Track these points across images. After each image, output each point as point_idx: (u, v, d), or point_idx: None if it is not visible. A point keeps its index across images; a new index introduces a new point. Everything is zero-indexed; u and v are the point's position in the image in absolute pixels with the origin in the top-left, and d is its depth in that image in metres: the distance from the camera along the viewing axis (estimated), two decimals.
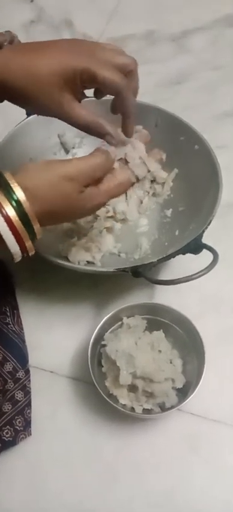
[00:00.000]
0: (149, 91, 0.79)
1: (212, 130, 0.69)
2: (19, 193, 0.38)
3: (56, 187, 0.41)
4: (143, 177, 0.51)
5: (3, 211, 0.37)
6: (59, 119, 0.46)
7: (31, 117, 0.61)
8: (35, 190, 0.39)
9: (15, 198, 0.38)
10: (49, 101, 0.44)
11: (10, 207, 0.37)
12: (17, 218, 0.38)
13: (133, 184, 0.49)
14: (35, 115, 0.61)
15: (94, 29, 0.92)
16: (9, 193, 0.38)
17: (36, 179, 0.40)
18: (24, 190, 0.38)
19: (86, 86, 0.46)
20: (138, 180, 0.50)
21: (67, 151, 0.66)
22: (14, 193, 0.38)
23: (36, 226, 0.39)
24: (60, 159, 0.46)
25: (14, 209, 0.38)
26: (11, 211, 0.37)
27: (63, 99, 0.44)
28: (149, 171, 0.57)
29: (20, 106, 0.47)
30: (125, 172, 0.48)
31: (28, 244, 0.39)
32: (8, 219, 0.37)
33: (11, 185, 0.38)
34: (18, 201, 0.38)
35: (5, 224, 0.37)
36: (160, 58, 0.87)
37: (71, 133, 0.65)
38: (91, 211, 0.46)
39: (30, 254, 0.40)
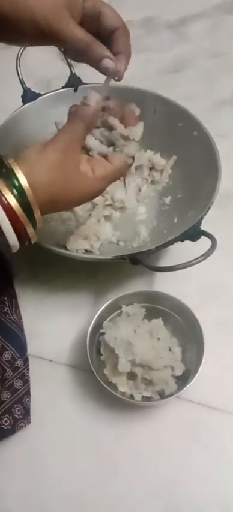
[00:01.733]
0: (147, 79, 0.78)
1: (211, 118, 0.69)
2: (22, 180, 0.37)
3: (54, 165, 0.40)
4: (133, 154, 0.50)
5: (3, 199, 0.36)
6: (54, 38, 0.42)
7: (27, 105, 0.61)
8: (42, 182, 0.39)
9: (17, 185, 0.37)
10: (49, 12, 0.41)
11: (10, 195, 0.37)
12: (18, 205, 0.37)
13: (131, 164, 0.49)
14: (31, 102, 0.61)
15: None
16: (10, 179, 0.37)
17: (42, 165, 0.39)
18: (31, 183, 0.38)
19: (84, 19, 0.43)
20: (133, 159, 0.49)
21: None
22: (17, 179, 0.37)
23: (37, 214, 0.39)
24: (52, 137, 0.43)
25: (15, 197, 0.37)
26: (11, 200, 0.37)
27: (64, 14, 0.41)
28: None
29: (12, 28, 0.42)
30: (119, 156, 0.47)
31: (30, 231, 0.39)
32: (8, 207, 0.37)
33: (15, 171, 0.37)
34: (20, 188, 0.37)
35: (3, 213, 0.36)
36: (158, 46, 0.86)
37: None
38: (89, 198, 0.46)
39: (32, 242, 0.40)
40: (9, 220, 0.37)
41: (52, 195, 0.40)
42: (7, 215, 0.37)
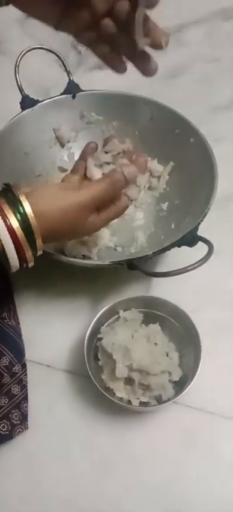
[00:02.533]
0: (144, 85, 0.78)
1: (208, 123, 0.69)
2: (27, 208, 0.40)
3: (68, 215, 0.44)
4: (136, 198, 0.53)
5: (8, 222, 0.39)
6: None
7: (26, 111, 0.61)
8: (46, 213, 0.42)
9: (22, 211, 0.40)
10: None
11: (14, 218, 0.40)
12: (19, 228, 0.40)
13: (127, 207, 0.51)
14: (30, 109, 0.61)
15: None
16: (16, 206, 0.40)
17: (51, 205, 0.43)
18: (36, 212, 0.40)
19: None
20: (132, 201, 0.51)
21: (63, 145, 0.65)
22: (22, 206, 0.40)
23: (38, 241, 0.42)
24: (73, 186, 0.48)
25: (19, 221, 0.40)
26: (14, 223, 0.40)
27: None
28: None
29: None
30: (122, 199, 0.49)
31: (28, 254, 0.41)
32: (11, 229, 0.39)
33: (21, 198, 0.40)
34: (24, 215, 0.40)
35: (8, 234, 0.39)
36: (155, 51, 0.86)
37: (66, 127, 0.65)
38: (90, 234, 0.52)
39: (29, 265, 0.42)
40: (13, 242, 0.40)
41: (59, 229, 0.44)
42: (10, 237, 0.39)
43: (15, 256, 0.40)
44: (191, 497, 0.44)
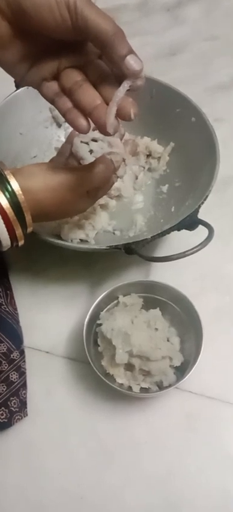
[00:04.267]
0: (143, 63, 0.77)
1: (208, 103, 0.67)
2: (14, 185, 0.39)
3: (57, 194, 0.42)
4: (121, 175, 0.52)
5: None
6: (81, 27, 0.36)
7: (20, 90, 0.59)
8: (34, 190, 0.41)
9: (9, 189, 0.39)
10: None
11: (2, 195, 0.39)
12: (9, 206, 0.39)
13: (113, 184, 0.51)
14: (25, 87, 0.59)
15: None
16: (4, 184, 0.39)
17: (39, 182, 0.42)
18: (24, 189, 0.40)
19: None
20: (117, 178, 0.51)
21: (59, 125, 0.64)
22: (10, 184, 0.39)
23: (28, 218, 0.41)
24: (63, 167, 0.46)
25: (7, 199, 0.39)
26: (3, 200, 0.39)
27: None
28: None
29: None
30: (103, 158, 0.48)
31: (18, 232, 0.40)
32: (0, 208, 0.39)
33: (8, 177, 0.39)
34: (12, 192, 0.39)
35: None
36: (154, 29, 0.85)
37: None
38: (78, 214, 0.52)
39: (19, 244, 0.42)
40: (3, 221, 0.39)
41: (49, 209, 0.43)
42: (0, 216, 0.39)
43: (7, 234, 0.40)
44: (192, 484, 0.44)
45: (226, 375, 0.49)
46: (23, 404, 0.46)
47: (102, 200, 0.58)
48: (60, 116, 0.62)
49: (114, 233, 0.57)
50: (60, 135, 0.64)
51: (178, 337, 0.49)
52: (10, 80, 0.59)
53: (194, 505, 0.43)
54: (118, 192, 0.59)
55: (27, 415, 0.46)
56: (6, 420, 0.45)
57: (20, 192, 0.39)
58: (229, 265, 0.57)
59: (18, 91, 0.59)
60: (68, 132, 0.64)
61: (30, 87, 0.59)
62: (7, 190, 0.39)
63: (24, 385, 0.47)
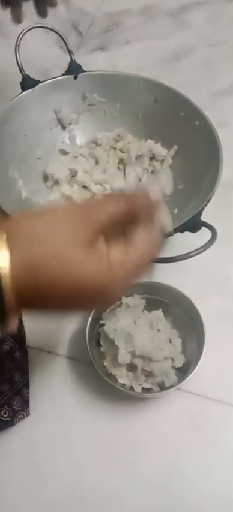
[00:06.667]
0: (147, 67, 0.77)
1: (212, 107, 0.68)
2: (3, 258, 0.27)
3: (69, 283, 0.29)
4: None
5: None
6: None
7: (26, 91, 0.60)
8: (34, 260, 0.28)
9: None
10: None
11: None
12: None
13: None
14: (31, 89, 0.60)
15: (91, 5, 0.89)
16: None
17: (45, 245, 0.29)
18: (20, 258, 0.28)
19: None
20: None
21: (64, 128, 0.64)
22: None
23: (10, 303, 0.28)
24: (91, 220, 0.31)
25: None
26: None
27: None
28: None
29: None
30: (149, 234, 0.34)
31: None
32: None
33: None
34: None
35: None
36: (158, 34, 0.85)
37: (68, 109, 0.63)
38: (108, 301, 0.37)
39: None
40: None
41: (43, 285, 0.29)
42: None
43: None
44: (193, 485, 0.43)
45: (227, 376, 0.49)
46: (25, 404, 0.46)
47: None
48: (65, 118, 0.64)
49: None
50: (64, 137, 0.64)
51: (180, 339, 0.49)
52: (16, 82, 0.61)
53: (196, 506, 0.43)
54: None
55: (29, 414, 0.46)
56: (9, 419, 0.45)
57: (7, 273, 0.27)
58: (231, 268, 0.57)
59: (23, 93, 0.60)
60: (72, 135, 0.64)
61: (36, 89, 0.60)
62: None
63: (26, 385, 0.47)
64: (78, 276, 0.29)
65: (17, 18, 0.55)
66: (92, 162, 0.62)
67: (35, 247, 0.28)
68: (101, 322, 0.49)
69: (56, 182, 0.60)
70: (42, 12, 0.55)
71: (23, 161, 0.60)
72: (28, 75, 0.60)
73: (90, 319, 0.48)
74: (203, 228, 0.48)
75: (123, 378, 0.47)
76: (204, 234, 0.47)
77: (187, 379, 0.45)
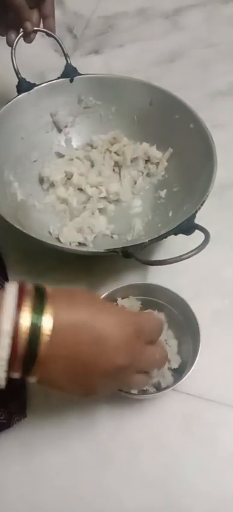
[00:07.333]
0: (142, 69, 0.78)
1: (207, 109, 0.68)
2: (47, 323, 0.33)
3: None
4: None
5: (18, 321, 0.32)
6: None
7: (22, 94, 0.60)
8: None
9: (39, 323, 0.33)
10: None
11: (28, 318, 0.32)
12: (26, 336, 0.32)
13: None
14: (26, 92, 0.60)
15: (85, 7, 0.90)
16: (38, 308, 0.33)
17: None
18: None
19: None
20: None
21: (60, 130, 0.64)
22: (42, 314, 0.33)
23: (34, 375, 0.35)
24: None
25: (30, 327, 0.32)
26: (25, 322, 0.32)
27: None
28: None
29: None
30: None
31: (16, 373, 0.35)
32: (15, 331, 0.32)
33: (46, 305, 0.33)
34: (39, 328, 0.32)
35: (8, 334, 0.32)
36: (153, 36, 0.86)
37: (63, 112, 0.64)
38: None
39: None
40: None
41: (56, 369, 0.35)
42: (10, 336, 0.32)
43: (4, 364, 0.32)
44: (190, 486, 0.44)
45: (223, 377, 0.49)
46: (22, 406, 0.46)
47: (100, 204, 0.59)
48: (61, 121, 0.64)
49: (112, 237, 0.58)
50: (60, 140, 0.65)
51: (175, 340, 0.49)
52: (12, 85, 0.61)
53: (192, 507, 0.43)
54: (116, 196, 0.60)
55: (26, 416, 0.46)
56: (5, 421, 0.45)
57: (48, 333, 0.32)
58: (225, 269, 0.57)
59: (19, 96, 0.60)
60: (68, 138, 0.65)
61: (32, 92, 0.61)
62: (37, 318, 0.32)
63: (23, 386, 0.47)
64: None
65: (11, 43, 0.59)
66: (87, 164, 0.62)
67: None
68: None
69: (52, 185, 0.61)
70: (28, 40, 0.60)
71: (19, 164, 0.60)
72: (24, 79, 0.60)
73: None
74: (196, 230, 0.48)
75: None
76: (199, 236, 0.47)
77: (182, 380, 0.45)
